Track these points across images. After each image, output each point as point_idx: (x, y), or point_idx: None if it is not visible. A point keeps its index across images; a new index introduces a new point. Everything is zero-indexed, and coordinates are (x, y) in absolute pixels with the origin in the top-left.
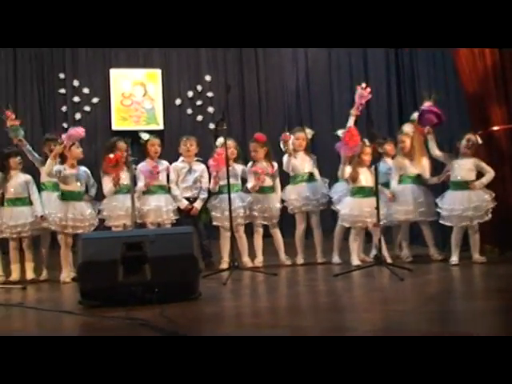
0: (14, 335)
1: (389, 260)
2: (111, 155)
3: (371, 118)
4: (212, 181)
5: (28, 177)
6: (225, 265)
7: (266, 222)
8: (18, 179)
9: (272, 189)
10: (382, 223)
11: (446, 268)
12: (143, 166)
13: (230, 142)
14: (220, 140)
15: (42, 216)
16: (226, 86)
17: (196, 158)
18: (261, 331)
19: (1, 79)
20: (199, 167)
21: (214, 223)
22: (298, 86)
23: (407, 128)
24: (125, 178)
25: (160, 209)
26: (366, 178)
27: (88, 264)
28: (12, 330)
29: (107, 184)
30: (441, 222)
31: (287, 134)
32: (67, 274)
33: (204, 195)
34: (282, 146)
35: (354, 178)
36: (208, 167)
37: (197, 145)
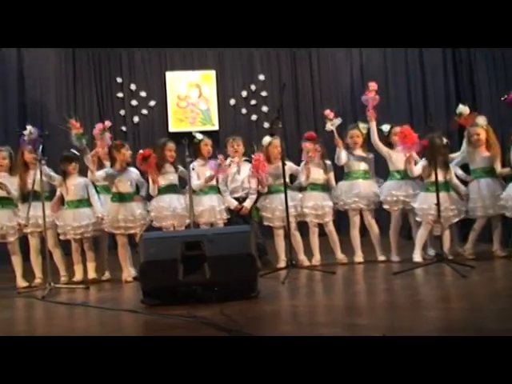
0: (77, 335)
1: (450, 257)
2: (140, 151)
3: (431, 113)
4: (260, 184)
5: (86, 179)
6: (282, 264)
7: (319, 221)
8: (77, 182)
9: (325, 186)
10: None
11: (510, 265)
12: (210, 163)
13: (277, 141)
14: (266, 139)
15: (101, 217)
16: (282, 85)
17: (244, 158)
18: (319, 331)
19: (62, 86)
20: (248, 167)
21: (265, 223)
22: (353, 83)
23: (481, 121)
24: (172, 178)
25: (214, 208)
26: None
27: (149, 263)
28: (76, 328)
29: (152, 185)
30: (507, 214)
31: (329, 110)
32: (128, 273)
33: (253, 195)
34: (326, 126)
35: (428, 173)
36: None
37: (244, 144)
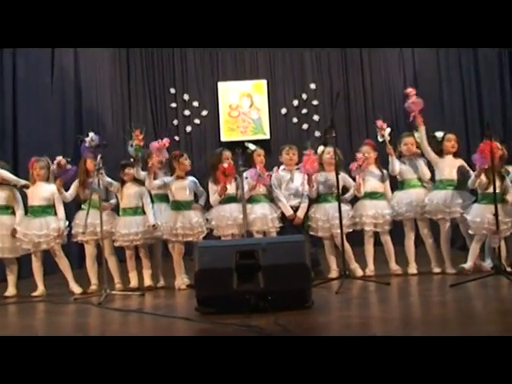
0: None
1: (508, 269)
2: (225, 164)
3: (488, 123)
4: (308, 186)
5: (142, 188)
6: (334, 274)
7: (378, 230)
8: (132, 190)
9: (382, 195)
10: None
11: None
12: (251, 172)
13: (330, 149)
14: (320, 148)
15: (153, 225)
16: (336, 94)
17: (297, 167)
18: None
19: (117, 96)
20: (300, 175)
21: (311, 233)
22: (406, 88)
23: None
24: (231, 187)
25: (266, 217)
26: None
27: (204, 271)
28: (131, 335)
29: (213, 193)
30: None
31: (381, 121)
32: (181, 280)
33: (305, 203)
34: (378, 136)
35: (486, 185)
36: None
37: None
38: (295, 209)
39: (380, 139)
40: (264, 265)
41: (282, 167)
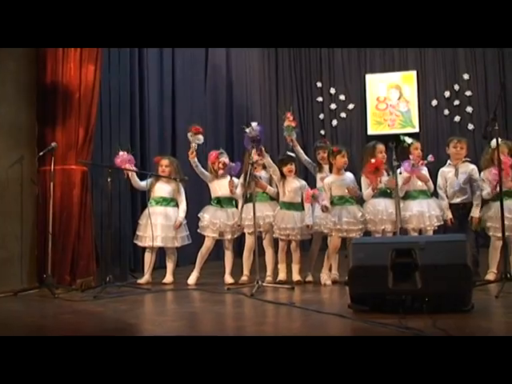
0: (295, 335)
1: None
2: (372, 160)
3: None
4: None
5: (303, 182)
6: (491, 276)
7: None
8: (294, 185)
9: None
10: None
11: None
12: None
13: (504, 144)
14: (493, 143)
15: (308, 226)
16: (501, 84)
17: (464, 159)
18: None
19: (265, 91)
20: (467, 168)
21: (490, 233)
22: None
23: None
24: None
25: (423, 214)
26: None
27: (358, 268)
28: (292, 329)
29: (366, 188)
30: None
31: None
32: (326, 275)
33: (477, 201)
34: None
35: None
36: (480, 171)
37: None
38: (462, 205)
39: None
40: (422, 264)
41: (448, 162)
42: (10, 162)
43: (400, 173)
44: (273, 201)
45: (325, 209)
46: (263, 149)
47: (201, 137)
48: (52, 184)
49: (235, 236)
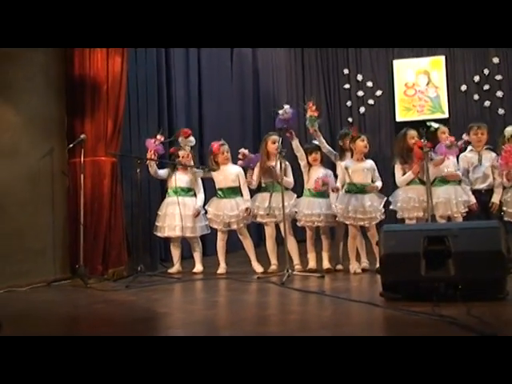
0: (326, 323)
1: None
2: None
3: None
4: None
5: (329, 171)
6: None
7: None
8: (320, 173)
9: None
10: None
11: None
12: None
13: None
14: (508, 130)
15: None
16: None
17: (486, 147)
18: None
19: (291, 78)
20: (489, 155)
21: (506, 219)
22: None
23: None
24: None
25: (449, 201)
26: None
27: (390, 256)
28: (322, 317)
29: (400, 174)
30: None
31: None
32: (356, 264)
33: (498, 187)
34: None
35: None
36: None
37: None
38: (485, 192)
39: None
40: (455, 251)
41: (469, 148)
42: (41, 154)
43: (431, 159)
44: (287, 191)
45: (335, 190)
46: (293, 132)
47: (192, 138)
48: (82, 175)
49: (241, 224)
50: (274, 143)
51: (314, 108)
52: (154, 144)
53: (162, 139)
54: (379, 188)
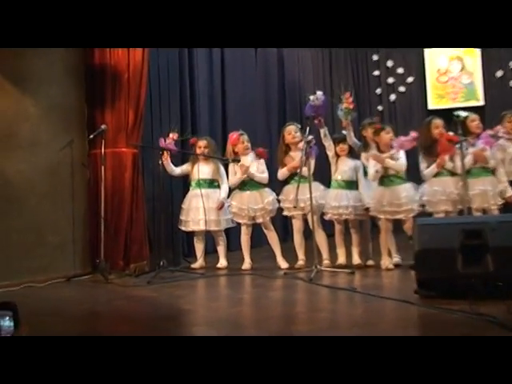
0: (359, 322)
1: None
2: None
3: None
4: None
5: (358, 162)
6: None
7: None
8: (348, 163)
9: None
10: None
11: None
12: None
13: None
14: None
15: (366, 208)
16: None
17: None
18: None
19: (318, 66)
20: None
21: None
22: None
23: None
24: (446, 160)
25: (486, 193)
26: None
27: (425, 252)
28: (353, 316)
29: (424, 166)
30: None
31: None
32: (388, 260)
33: None
34: None
35: None
36: None
37: None
38: None
39: None
40: (493, 246)
41: (500, 132)
42: (60, 145)
43: (466, 149)
44: (314, 182)
45: (376, 173)
46: (322, 120)
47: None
48: (103, 167)
49: (268, 218)
50: (290, 134)
51: (350, 100)
52: (164, 143)
53: (175, 137)
54: None
